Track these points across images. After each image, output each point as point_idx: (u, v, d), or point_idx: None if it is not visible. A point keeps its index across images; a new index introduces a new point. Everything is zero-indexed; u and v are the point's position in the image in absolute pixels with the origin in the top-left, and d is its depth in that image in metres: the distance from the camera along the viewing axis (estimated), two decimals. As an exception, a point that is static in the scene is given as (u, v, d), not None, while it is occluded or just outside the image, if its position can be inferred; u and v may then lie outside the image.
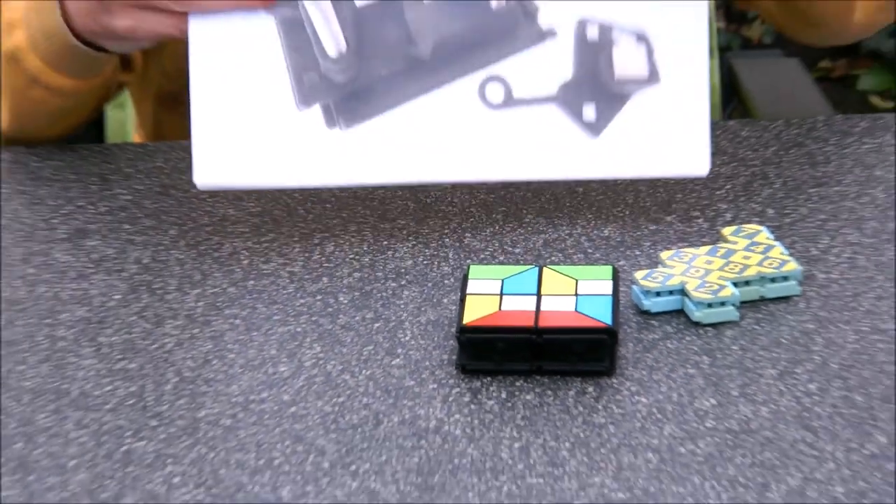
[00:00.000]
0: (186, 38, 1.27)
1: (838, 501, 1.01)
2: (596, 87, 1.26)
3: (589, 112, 1.26)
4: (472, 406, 1.11)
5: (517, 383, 1.13)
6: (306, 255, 1.28)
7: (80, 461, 1.06)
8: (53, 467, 1.06)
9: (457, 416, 1.10)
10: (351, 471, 1.05)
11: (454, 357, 1.15)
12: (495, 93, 1.26)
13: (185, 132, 1.29)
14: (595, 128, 1.26)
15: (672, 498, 1.02)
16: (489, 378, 1.13)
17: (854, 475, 1.03)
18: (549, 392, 1.12)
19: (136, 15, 1.29)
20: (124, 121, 1.77)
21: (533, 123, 1.26)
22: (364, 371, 1.14)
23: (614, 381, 1.13)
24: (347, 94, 1.25)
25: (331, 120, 1.25)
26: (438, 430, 1.08)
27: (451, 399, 1.11)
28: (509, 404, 1.11)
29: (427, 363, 1.15)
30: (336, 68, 1.25)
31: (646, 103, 1.26)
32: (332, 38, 1.25)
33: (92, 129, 1.68)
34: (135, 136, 1.74)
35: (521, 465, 1.05)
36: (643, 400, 1.11)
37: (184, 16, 1.26)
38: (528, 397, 1.11)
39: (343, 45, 1.25)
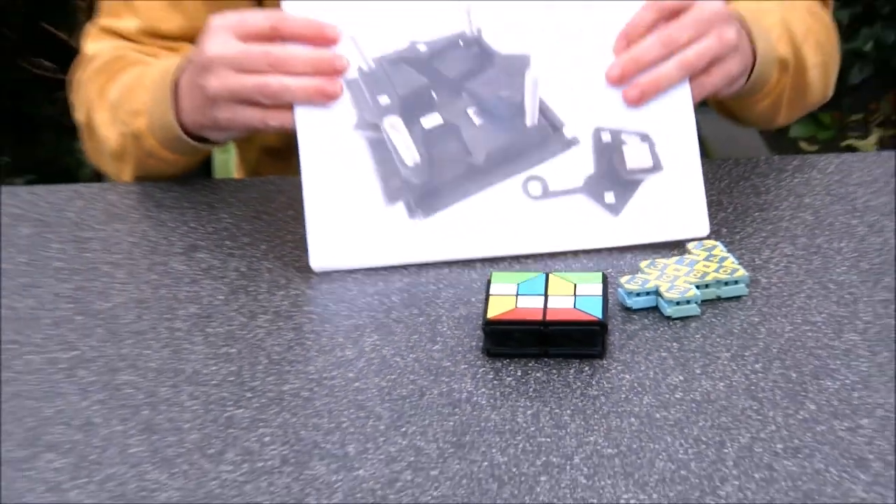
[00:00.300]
0: (272, 129, 1.28)
1: (779, 456, 1.00)
2: (613, 178, 1.26)
3: (609, 197, 1.26)
4: (495, 382, 1.10)
5: (529, 364, 1.12)
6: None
7: (192, 424, 1.06)
8: (172, 429, 1.05)
9: (483, 389, 1.09)
10: (401, 432, 1.04)
11: (481, 343, 1.14)
12: (535, 188, 1.26)
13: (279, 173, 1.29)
14: (615, 209, 1.26)
15: (650, 453, 1.01)
16: (507, 360, 1.12)
17: (790, 435, 1.02)
18: (554, 371, 1.11)
19: (234, 109, 1.27)
20: (228, 161, 1.76)
21: (566, 209, 1.26)
22: (411, 354, 1.14)
23: (605, 362, 1.12)
24: (423, 193, 1.26)
25: (412, 213, 1.26)
26: (469, 400, 1.08)
27: (478, 376, 1.11)
28: (523, 381, 1.10)
29: (459, 349, 1.14)
30: (413, 174, 1.26)
31: (654, 187, 1.26)
32: (408, 152, 1.26)
33: (202, 167, 1.68)
34: (236, 173, 1.73)
35: (533, 428, 1.04)
36: (627, 377, 1.10)
37: (270, 110, 1.26)
38: (538, 375, 1.11)
39: (417, 157, 1.26)
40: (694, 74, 1.26)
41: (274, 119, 1.26)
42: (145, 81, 1.38)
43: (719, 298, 1.20)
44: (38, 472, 1.01)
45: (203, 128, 1.33)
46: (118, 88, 1.42)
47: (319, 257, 1.25)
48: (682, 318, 1.17)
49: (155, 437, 1.05)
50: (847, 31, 3.14)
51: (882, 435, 1.02)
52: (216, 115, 1.29)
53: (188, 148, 1.37)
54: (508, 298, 1.15)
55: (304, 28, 1.26)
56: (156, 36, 1.46)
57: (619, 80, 1.26)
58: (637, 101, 1.26)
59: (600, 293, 1.15)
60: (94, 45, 1.48)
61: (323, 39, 1.26)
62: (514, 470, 1.00)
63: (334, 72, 1.25)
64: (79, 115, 1.49)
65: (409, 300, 1.21)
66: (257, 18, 1.26)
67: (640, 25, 1.26)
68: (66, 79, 1.55)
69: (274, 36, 1.25)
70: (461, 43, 1.28)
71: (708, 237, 1.27)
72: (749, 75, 1.34)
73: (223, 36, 1.26)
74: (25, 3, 2.49)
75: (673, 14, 1.26)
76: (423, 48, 1.28)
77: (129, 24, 1.47)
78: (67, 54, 1.55)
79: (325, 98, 1.25)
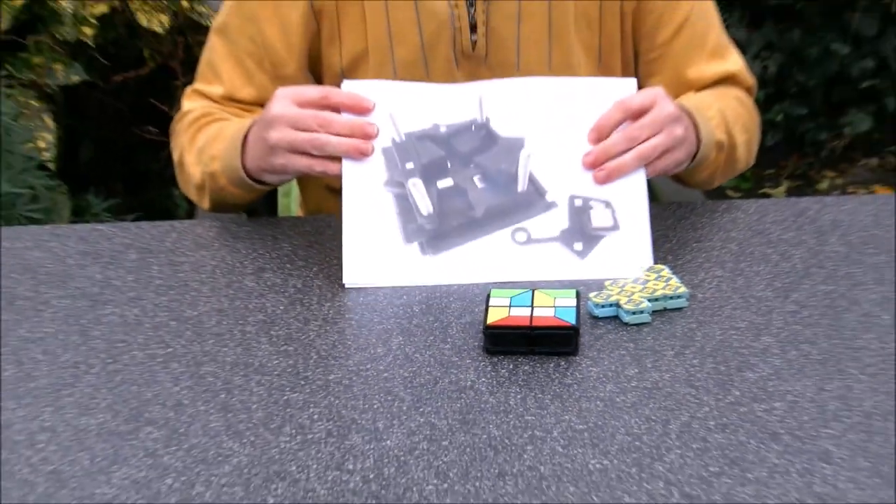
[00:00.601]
0: (317, 174, 1.29)
1: (711, 431, 0.99)
2: (582, 233, 1.26)
3: (578, 246, 1.25)
4: (492, 373, 1.09)
5: (519, 360, 1.11)
6: (392, 286, 1.25)
7: (258, 405, 1.05)
8: (242, 409, 1.05)
9: (483, 379, 1.08)
10: (420, 411, 1.03)
11: (482, 344, 1.13)
12: (521, 236, 1.26)
13: (332, 205, 1.33)
14: (582, 255, 1.25)
15: (612, 428, 1.00)
16: (503, 357, 1.11)
17: (720, 414, 1.02)
18: (539, 365, 1.10)
19: (288, 156, 1.28)
20: (289, 205, 1.76)
21: (544, 253, 1.26)
22: (427, 352, 1.13)
23: (577, 358, 1.11)
24: (433, 237, 1.26)
25: (423, 251, 1.25)
26: (472, 387, 1.07)
27: (479, 369, 1.10)
28: (514, 372, 1.09)
29: (465, 347, 1.13)
30: (426, 222, 1.26)
31: (613, 241, 1.26)
32: (423, 205, 1.27)
33: (268, 207, 1.68)
34: (298, 211, 1.73)
35: (521, 408, 1.03)
36: (594, 370, 1.09)
37: (316, 159, 1.27)
38: (526, 368, 1.10)
39: (431, 209, 1.26)
40: (649, 162, 1.28)
41: (319, 165, 1.28)
42: (223, 134, 1.40)
43: (666, 309, 1.19)
44: (140, 442, 1.01)
45: (262, 171, 1.34)
46: (204, 138, 1.44)
47: (350, 276, 1.25)
48: (636, 325, 1.16)
49: (229, 414, 1.04)
50: (763, 106, 3.15)
51: (791, 415, 1.02)
52: (273, 161, 1.30)
53: (249, 187, 1.38)
54: (503, 309, 1.14)
55: (347, 99, 1.28)
56: (234, 101, 1.48)
57: (591, 165, 1.27)
58: (604, 182, 1.27)
59: (574, 305, 1.14)
60: (190, 103, 1.51)
61: (360, 109, 1.28)
62: (506, 441, 0.99)
63: (366, 135, 1.27)
64: (174, 155, 1.50)
65: (427, 310, 1.20)
66: (312, 91, 1.28)
67: (609, 122, 1.28)
68: (167, 141, 1.56)
69: (324, 104, 1.27)
70: (473, 127, 1.30)
71: (656, 263, 1.26)
72: (694, 156, 1.35)
73: (285, 101, 1.28)
74: (137, 84, 2.50)
75: (635, 114, 1.27)
76: (443, 129, 1.29)
77: (215, 90, 1.49)
78: (168, 122, 1.56)
79: (359, 154, 1.26)
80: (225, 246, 1.36)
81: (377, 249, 1.25)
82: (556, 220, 1.26)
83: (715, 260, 1.29)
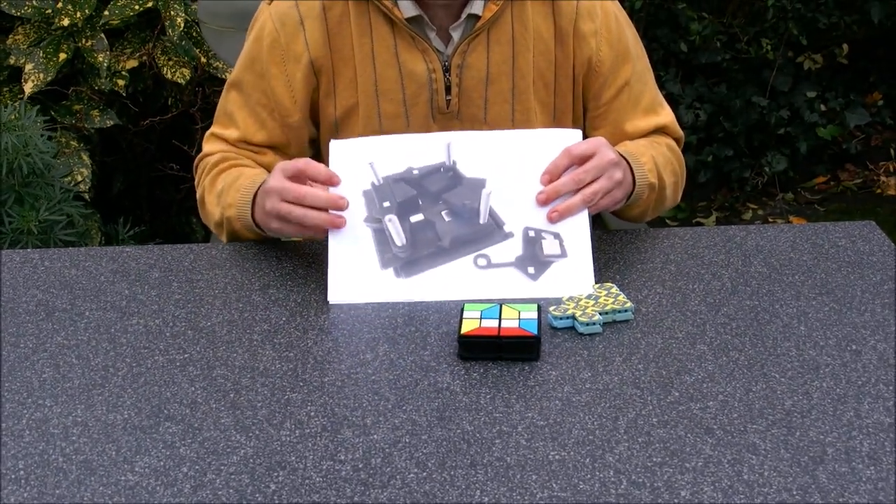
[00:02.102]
0: (305, 236, 1.29)
1: (654, 427, 0.98)
2: (534, 259, 1.25)
3: (531, 270, 1.25)
4: (465, 376, 1.08)
5: (489, 364, 1.10)
6: (378, 302, 1.24)
7: (262, 403, 1.04)
8: (249, 406, 1.03)
9: (457, 381, 1.07)
10: (402, 409, 1.02)
11: (457, 351, 1.12)
12: (482, 261, 1.25)
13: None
14: (535, 277, 1.24)
15: (569, 425, 0.99)
16: (475, 362, 1.10)
17: (662, 412, 1.01)
18: (506, 369, 1.09)
19: (279, 222, 1.28)
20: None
21: (502, 276, 1.25)
22: (409, 357, 1.11)
23: (539, 364, 1.10)
24: (406, 263, 1.25)
25: (398, 275, 1.24)
26: (448, 388, 1.06)
27: (454, 373, 1.08)
28: (485, 375, 1.08)
29: (443, 354, 1.12)
30: (400, 251, 1.25)
31: (561, 266, 1.25)
32: (398, 237, 1.26)
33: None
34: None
35: (490, 407, 1.02)
36: (553, 373, 1.08)
37: (300, 228, 1.27)
38: (495, 371, 1.08)
39: (404, 240, 1.26)
40: (592, 202, 1.28)
41: (302, 232, 1.29)
42: (238, 184, 1.40)
43: (615, 321, 1.18)
44: (160, 435, 0.99)
45: (265, 227, 1.34)
46: (222, 183, 1.43)
47: (334, 295, 1.24)
48: (590, 335, 1.15)
49: (237, 412, 1.02)
50: (696, 149, 3.15)
51: (722, 412, 1.01)
52: (270, 224, 1.31)
53: (258, 234, 1.38)
54: (475, 320, 1.13)
55: (321, 174, 1.27)
56: (248, 143, 1.48)
57: (543, 202, 1.28)
58: (556, 221, 1.27)
59: (536, 317, 1.13)
60: (209, 145, 1.51)
61: (330, 182, 1.27)
62: (477, 435, 0.98)
63: (338, 207, 1.26)
64: (197, 192, 1.50)
65: (409, 321, 1.19)
66: (297, 164, 1.28)
67: (558, 166, 1.29)
68: (186, 176, 1.54)
69: (303, 175, 1.27)
70: (442, 169, 1.30)
71: (606, 281, 1.25)
72: (630, 195, 1.36)
73: (278, 175, 1.28)
74: (161, 127, 2.49)
75: (580, 160, 1.28)
76: (416, 171, 1.30)
77: (231, 134, 1.49)
78: (188, 160, 1.54)
79: (332, 226, 1.26)
80: (235, 266, 1.34)
81: (357, 273, 1.25)
82: (512, 248, 1.26)
83: (656, 279, 1.28)
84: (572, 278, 1.24)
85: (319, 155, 1.49)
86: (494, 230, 1.27)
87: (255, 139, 1.48)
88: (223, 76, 2.35)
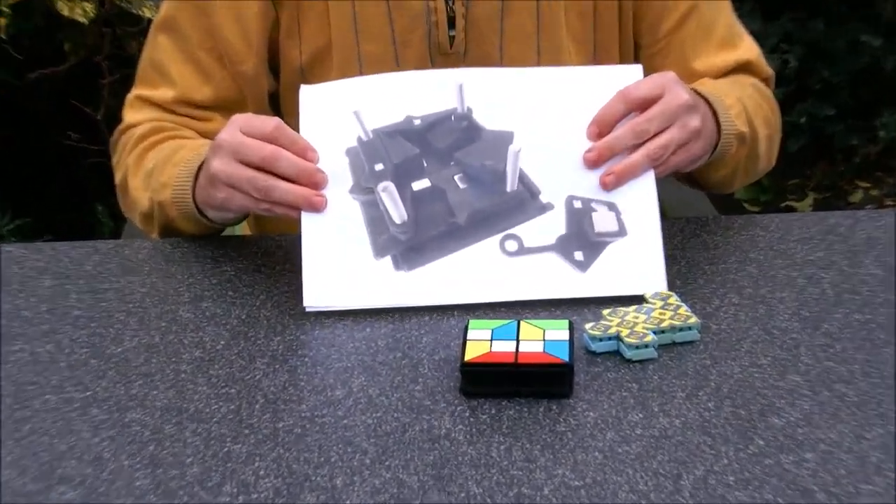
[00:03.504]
0: (262, 213, 1.29)
1: (731, 488, 0.98)
2: (582, 239, 1.26)
3: (579, 256, 1.25)
4: (471, 419, 1.08)
5: (503, 403, 1.10)
6: (354, 313, 1.25)
7: (193, 459, 1.04)
8: (175, 463, 1.03)
9: (460, 426, 1.07)
10: (385, 465, 1.02)
11: (459, 384, 1.12)
12: (511, 245, 1.26)
13: (276, 220, 1.38)
14: (583, 266, 1.25)
15: (613, 485, 0.99)
16: (483, 399, 1.10)
17: (741, 468, 1.01)
18: (525, 409, 1.09)
19: (228, 191, 1.28)
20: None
21: (538, 264, 1.25)
22: (395, 394, 1.12)
23: (571, 401, 1.10)
24: (408, 248, 1.26)
25: (397, 265, 1.25)
26: (447, 436, 1.06)
27: (456, 414, 1.09)
28: (497, 418, 1.08)
29: (439, 388, 1.12)
30: (400, 232, 1.26)
31: (618, 249, 1.26)
32: (396, 212, 1.26)
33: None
34: (243, 229, 1.72)
35: (506, 461, 1.02)
36: (591, 414, 1.08)
37: (260, 201, 1.27)
38: (511, 412, 1.09)
39: (405, 216, 1.26)
40: (660, 159, 1.28)
41: (262, 206, 1.27)
42: (177, 158, 1.41)
43: (674, 343, 1.18)
44: (52, 504, 0.99)
45: (206, 205, 1.35)
46: (153, 159, 1.44)
47: (312, 297, 1.24)
48: (640, 361, 1.15)
49: (159, 470, 1.02)
50: (783, 106, 3.16)
51: (824, 468, 1.01)
52: (215, 194, 1.30)
53: (202, 224, 1.38)
54: (484, 343, 1.13)
55: (294, 141, 1.26)
56: (189, 105, 1.49)
57: (593, 162, 1.27)
58: (612, 188, 1.27)
59: (567, 338, 1.14)
60: (133, 113, 1.53)
61: (304, 157, 1.27)
62: (488, 501, 0.98)
63: (313, 184, 1.26)
64: (116, 175, 1.52)
65: (394, 344, 1.19)
66: (264, 122, 1.27)
67: (611, 114, 1.28)
68: (90, 149, 1.56)
69: (272, 139, 1.26)
70: (452, 118, 1.30)
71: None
72: (714, 150, 1.36)
73: (233, 127, 1.27)
74: (55, 82, 2.49)
75: (642, 105, 1.28)
76: (417, 122, 1.30)
77: (163, 93, 1.50)
78: (92, 127, 1.56)
79: (309, 207, 1.25)
80: (156, 270, 1.34)
81: (343, 265, 1.25)
82: (551, 225, 1.26)
83: (731, 285, 1.28)
84: (637, 266, 1.25)
85: (280, 117, 1.50)
86: (527, 201, 1.28)
87: (197, 97, 1.49)
88: (139, 12, 2.34)
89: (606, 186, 1.27)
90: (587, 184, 1.27)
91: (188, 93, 1.48)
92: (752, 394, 1.10)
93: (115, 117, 1.60)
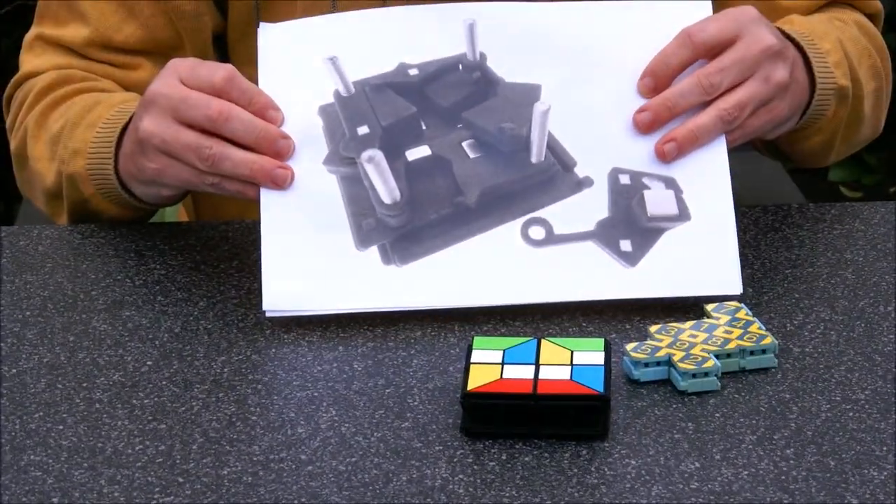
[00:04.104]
0: (208, 189, 1.30)
1: None
2: (630, 225, 1.27)
3: (626, 245, 1.26)
4: (475, 467, 1.09)
5: (517, 446, 1.10)
6: (323, 325, 1.26)
7: (112, 515, 1.05)
8: (87, 520, 1.04)
9: (460, 476, 1.08)
10: (363, 526, 1.03)
11: (459, 421, 1.13)
12: (537, 232, 1.27)
13: (224, 201, 1.39)
14: (632, 258, 1.26)
15: None
16: (491, 440, 1.11)
17: None
18: (546, 454, 1.10)
19: (162, 160, 1.29)
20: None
21: (573, 256, 1.26)
22: (375, 433, 1.12)
23: (606, 444, 1.11)
24: (401, 236, 1.26)
25: (387, 258, 1.26)
26: (443, 489, 1.06)
27: (455, 460, 1.09)
28: (509, 465, 1.09)
29: (434, 426, 1.13)
30: (390, 214, 1.26)
31: (678, 237, 1.27)
32: (386, 188, 1.27)
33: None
34: (179, 213, 1.72)
35: None
36: (633, 462, 1.09)
37: (208, 175, 1.28)
38: (527, 459, 1.09)
39: (397, 194, 1.27)
40: (736, 121, 1.28)
41: (209, 181, 1.28)
42: (93, 117, 1.40)
43: (743, 370, 1.19)
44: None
45: (132, 179, 1.35)
46: (61, 119, 1.44)
47: (273, 300, 1.24)
48: (698, 393, 1.16)
49: (66, 529, 1.03)
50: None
51: (937, 535, 1.02)
52: (144, 164, 1.30)
53: (126, 204, 1.38)
54: (493, 367, 1.14)
55: (251, 97, 1.27)
56: (108, 48, 1.48)
57: (649, 127, 1.28)
58: (672, 159, 1.27)
59: (602, 362, 1.14)
60: (33, 58, 1.51)
61: (263, 114, 1.27)
62: (496, 573, 0.99)
63: (275, 152, 1.26)
64: (11, 141, 1.51)
65: (374, 368, 1.20)
66: (213, 71, 1.28)
67: (671, 62, 1.28)
68: None
69: (221, 92, 1.27)
70: (460, 67, 1.30)
71: (733, 298, 1.27)
72: (805, 110, 1.36)
73: (171, 78, 1.28)
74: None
75: (712, 50, 1.28)
76: (414, 71, 1.30)
77: (76, 33, 1.49)
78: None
79: (269, 181, 1.26)
80: (63, 267, 1.35)
81: (315, 258, 1.26)
82: (590, 207, 1.27)
83: (820, 295, 1.30)
84: (703, 262, 1.26)
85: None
86: (557, 175, 1.28)
87: (118, 37, 1.49)
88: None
89: (665, 157, 1.27)
90: (638, 153, 1.28)
91: (106, 32, 1.48)
92: (844, 438, 1.11)
93: (7, 64, 1.60)
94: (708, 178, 1.28)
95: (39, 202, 1.49)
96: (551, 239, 1.26)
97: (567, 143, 1.28)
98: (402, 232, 1.26)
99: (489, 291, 1.25)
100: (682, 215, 1.27)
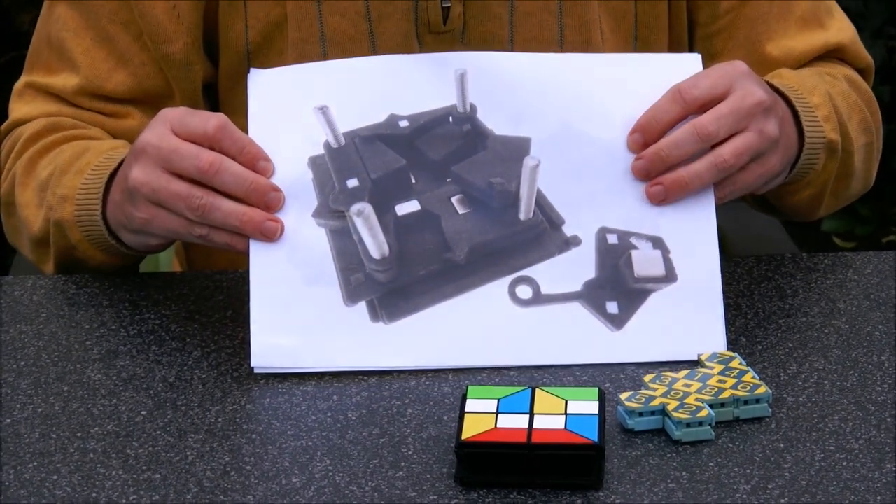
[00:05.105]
0: (196, 240, 1.31)
1: None
2: (617, 286, 1.27)
3: (612, 308, 1.26)
4: (470, 516, 1.08)
5: (511, 495, 1.10)
6: (317, 375, 1.25)
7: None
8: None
9: (455, 525, 1.07)
10: (357, 576, 1.03)
11: (453, 470, 1.13)
12: (524, 291, 1.27)
13: (216, 251, 1.39)
14: (618, 321, 1.26)
15: None
16: (485, 490, 1.11)
17: None
18: (541, 503, 1.10)
19: (151, 210, 1.29)
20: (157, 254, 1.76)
21: (559, 318, 1.26)
22: (370, 483, 1.12)
23: (600, 493, 1.11)
24: (389, 292, 1.26)
25: (374, 315, 1.26)
26: (438, 538, 1.06)
27: (450, 510, 1.09)
28: (504, 515, 1.08)
29: (428, 476, 1.13)
30: (379, 269, 1.26)
31: (665, 299, 1.27)
32: (375, 243, 1.27)
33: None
34: (172, 264, 1.72)
35: None
36: (627, 512, 1.09)
37: (200, 226, 1.28)
38: (522, 509, 1.09)
39: (385, 249, 1.27)
40: (728, 172, 1.28)
41: (198, 231, 1.28)
42: (82, 163, 1.40)
43: (737, 420, 1.19)
44: None
45: (120, 227, 1.35)
46: (51, 165, 1.43)
47: (261, 356, 1.24)
48: (692, 443, 1.16)
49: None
50: (888, 111, 3.17)
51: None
52: (133, 213, 1.30)
53: (114, 251, 1.38)
54: (487, 417, 1.14)
55: (241, 147, 1.28)
56: (98, 96, 1.48)
57: (644, 174, 1.28)
58: (660, 202, 1.27)
59: (596, 412, 1.14)
60: (22, 105, 1.51)
61: (253, 164, 1.28)
62: None
63: (265, 204, 1.27)
64: (0, 188, 1.50)
65: (369, 418, 1.20)
66: (204, 121, 1.28)
67: (662, 119, 1.28)
68: None
69: (212, 142, 1.27)
70: (451, 119, 1.30)
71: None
72: (795, 163, 1.36)
73: (162, 127, 1.28)
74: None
75: (703, 108, 1.28)
76: (404, 123, 1.30)
77: (66, 81, 1.49)
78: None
79: (259, 234, 1.26)
80: (57, 317, 1.35)
81: (303, 314, 1.26)
82: (578, 266, 1.27)
83: (813, 345, 1.30)
84: (689, 324, 1.26)
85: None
86: (545, 233, 1.28)
87: (108, 86, 1.49)
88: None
89: (653, 198, 1.27)
90: (626, 212, 1.28)
91: (96, 80, 1.48)
92: (838, 488, 1.11)
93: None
94: (695, 237, 1.28)
95: (26, 250, 1.49)
96: (538, 299, 1.26)
97: (555, 200, 1.29)
98: (391, 287, 1.26)
99: (476, 353, 1.25)
100: (669, 276, 1.27)
